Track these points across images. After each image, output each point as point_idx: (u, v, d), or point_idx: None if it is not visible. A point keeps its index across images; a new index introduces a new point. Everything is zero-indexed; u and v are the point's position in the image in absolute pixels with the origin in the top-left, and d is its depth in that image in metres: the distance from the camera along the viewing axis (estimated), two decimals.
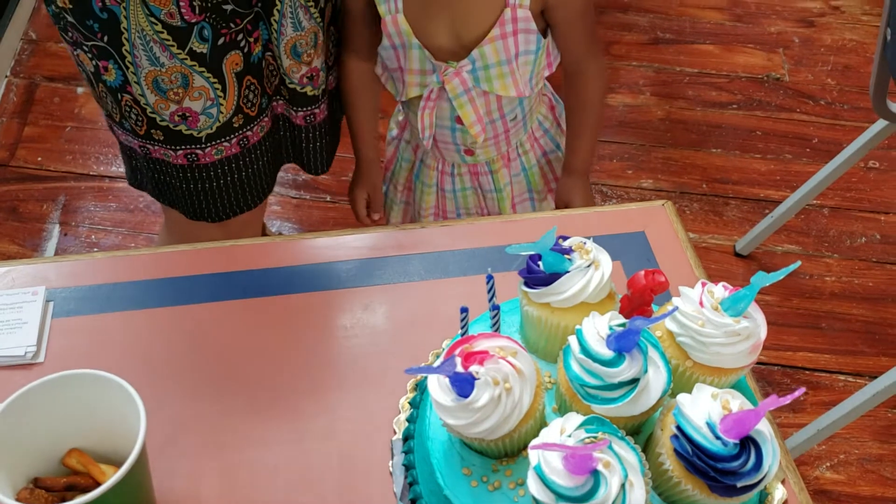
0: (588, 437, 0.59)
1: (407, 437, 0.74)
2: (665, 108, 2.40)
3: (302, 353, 0.81)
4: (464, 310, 0.71)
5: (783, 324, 2.00)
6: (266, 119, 1.08)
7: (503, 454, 0.67)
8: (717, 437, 0.60)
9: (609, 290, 0.72)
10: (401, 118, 1.30)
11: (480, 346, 0.64)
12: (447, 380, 0.62)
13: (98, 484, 0.62)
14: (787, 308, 2.01)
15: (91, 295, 0.85)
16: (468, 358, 0.63)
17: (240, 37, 0.97)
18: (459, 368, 0.62)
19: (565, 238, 0.73)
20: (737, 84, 2.48)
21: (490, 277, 0.73)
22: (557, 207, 1.26)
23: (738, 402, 0.61)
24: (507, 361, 0.62)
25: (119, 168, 2.23)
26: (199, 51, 0.95)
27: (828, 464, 1.81)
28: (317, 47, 1.04)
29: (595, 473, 0.57)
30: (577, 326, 0.65)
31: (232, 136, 1.05)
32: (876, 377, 1.62)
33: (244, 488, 0.72)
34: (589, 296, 0.69)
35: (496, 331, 0.73)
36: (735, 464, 0.59)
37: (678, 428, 0.61)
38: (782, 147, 2.34)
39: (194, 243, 0.90)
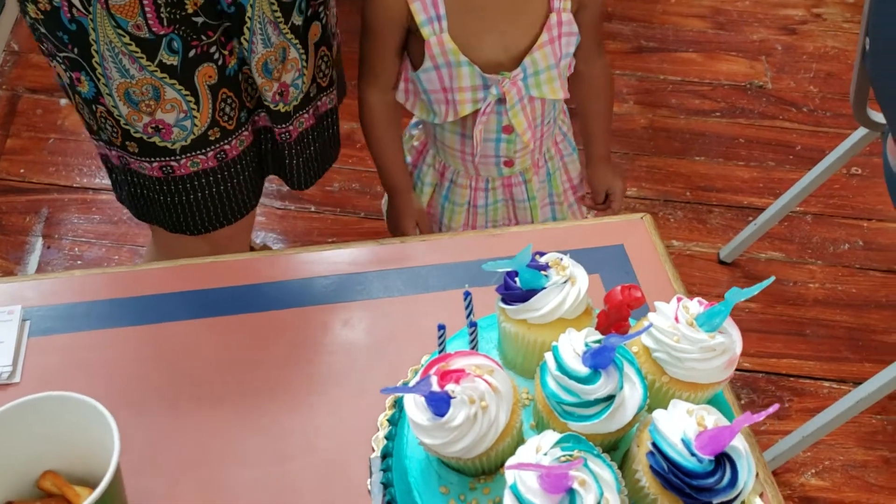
0: (563, 456, 0.59)
1: (385, 455, 0.74)
2: (648, 117, 2.41)
3: (281, 370, 0.81)
4: (441, 327, 0.71)
5: (767, 331, 2.01)
6: (246, 133, 1.07)
7: (480, 472, 0.67)
8: (693, 454, 0.60)
9: (586, 306, 0.72)
10: (416, 143, 1.30)
11: (457, 364, 0.64)
12: (423, 399, 0.62)
13: None
14: (771, 315, 2.02)
15: (68, 313, 0.84)
16: (444, 376, 0.62)
17: (213, 49, 0.96)
18: (435, 387, 0.62)
19: (542, 254, 0.73)
20: (720, 92, 2.49)
21: (467, 294, 0.73)
22: (598, 197, 1.34)
23: (713, 419, 0.61)
24: (484, 380, 0.62)
25: (103, 180, 2.22)
26: (169, 63, 0.94)
27: (813, 470, 1.82)
28: (285, 62, 1.03)
29: (571, 492, 0.57)
30: (554, 343, 0.65)
31: (208, 149, 1.04)
32: (860, 383, 1.63)
33: (220, 501, 0.72)
34: (566, 312, 0.69)
35: (474, 348, 0.73)
36: (710, 480, 0.59)
37: (654, 444, 0.62)
38: (765, 154, 2.35)
39: (173, 260, 0.89)
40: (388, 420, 0.76)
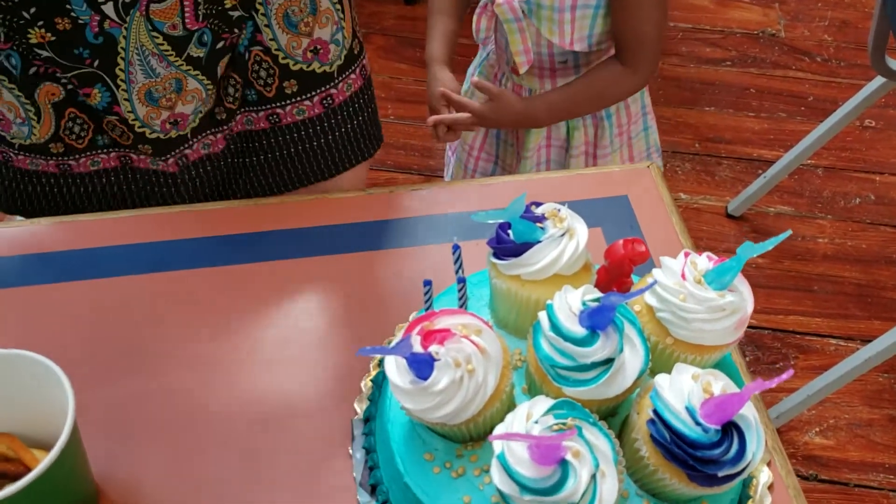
0: (556, 424, 0.54)
1: (368, 419, 0.69)
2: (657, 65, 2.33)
3: (256, 327, 0.76)
4: (427, 283, 0.65)
5: (774, 287, 1.96)
6: (256, 116, 0.99)
7: (468, 438, 0.62)
8: (697, 423, 0.55)
9: (585, 261, 0.67)
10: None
11: (442, 323, 0.59)
12: (404, 361, 0.57)
13: (31, 471, 0.57)
14: (779, 270, 1.97)
15: (22, 265, 0.79)
16: (428, 337, 0.57)
17: (239, 41, 0.91)
18: (418, 348, 0.57)
19: (538, 204, 0.67)
20: (731, 40, 2.41)
21: (456, 247, 0.67)
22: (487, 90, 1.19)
23: (720, 385, 0.56)
24: (470, 340, 0.57)
25: None
26: (195, 55, 0.88)
27: (817, 429, 1.78)
28: (316, 14, 0.94)
29: (563, 464, 0.53)
30: (549, 301, 0.60)
31: (217, 129, 0.98)
32: (868, 341, 1.58)
33: (191, 470, 0.68)
34: (562, 267, 0.64)
35: (462, 305, 0.68)
36: (716, 452, 0.55)
37: (655, 412, 0.57)
38: (776, 105, 2.28)
39: (139, 209, 0.84)
40: (371, 381, 0.71)
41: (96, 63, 0.86)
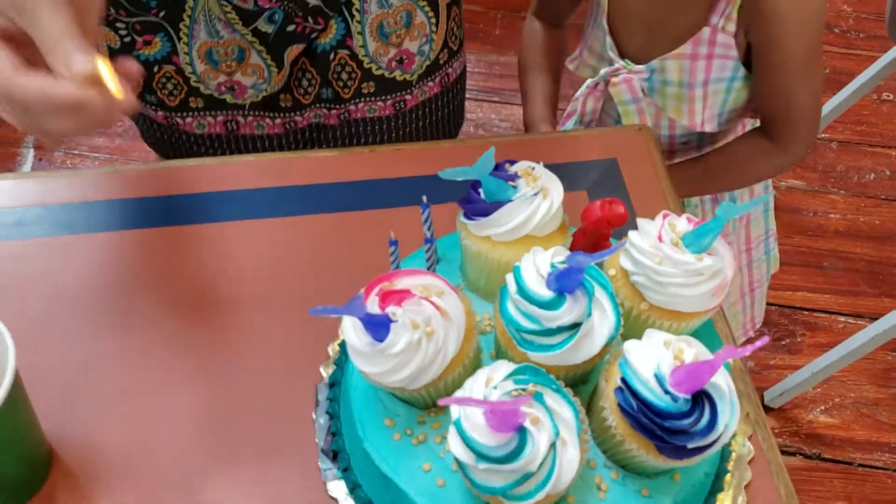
0: (516, 390, 0.52)
1: (334, 384, 0.67)
2: None
3: (222, 289, 0.73)
4: (393, 242, 0.63)
5: (783, 262, 1.90)
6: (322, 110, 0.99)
7: (430, 405, 0.59)
8: (667, 392, 0.52)
9: (560, 223, 0.63)
10: None
11: (402, 283, 0.56)
12: (360, 322, 0.54)
13: None
14: (788, 245, 1.93)
15: None
16: (386, 297, 0.55)
17: (313, 33, 0.89)
18: (374, 309, 0.54)
19: (513, 162, 0.64)
20: None
21: (426, 206, 0.64)
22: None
23: (693, 352, 0.53)
24: (431, 302, 0.54)
25: None
26: (263, 30, 0.86)
27: (822, 407, 1.75)
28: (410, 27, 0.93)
29: (521, 431, 0.50)
30: (517, 263, 0.57)
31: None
32: (877, 319, 1.54)
33: (151, 435, 0.65)
34: (534, 228, 0.61)
35: (431, 267, 0.65)
36: (685, 422, 0.52)
37: (623, 380, 0.54)
38: None
39: (115, 165, 0.81)
40: (339, 346, 0.69)
41: (161, 14, 0.84)
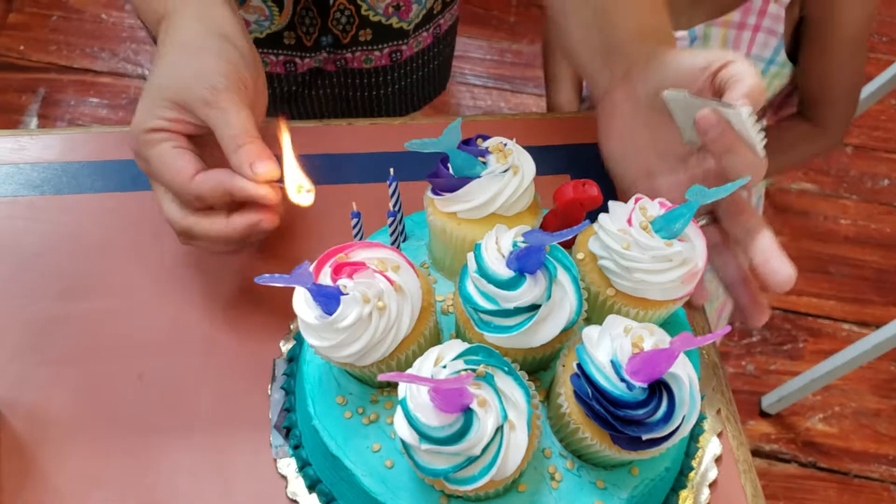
0: (466, 370, 0.49)
1: (292, 359, 0.65)
2: None
3: (187, 257, 0.71)
4: (355, 215, 0.61)
5: None
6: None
7: (385, 383, 0.57)
8: (622, 380, 0.50)
9: (531, 202, 0.61)
10: None
11: (357, 256, 0.54)
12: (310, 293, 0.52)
13: None
14: (795, 249, 1.89)
15: None
16: (339, 269, 0.53)
17: None
18: (327, 281, 0.52)
19: (486, 138, 0.62)
20: None
21: (393, 179, 0.62)
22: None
23: (654, 340, 0.51)
24: (385, 276, 0.53)
25: (105, 62, 2.12)
26: None
27: (821, 415, 1.72)
28: None
29: (467, 412, 0.48)
30: (478, 242, 0.55)
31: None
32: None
33: (103, 401, 0.64)
34: (502, 207, 0.59)
35: (395, 241, 0.63)
36: (640, 412, 0.49)
37: (579, 366, 0.52)
38: None
39: (75, 127, 0.79)
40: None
41: None
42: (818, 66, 0.92)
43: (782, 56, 0.93)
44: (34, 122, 2.02)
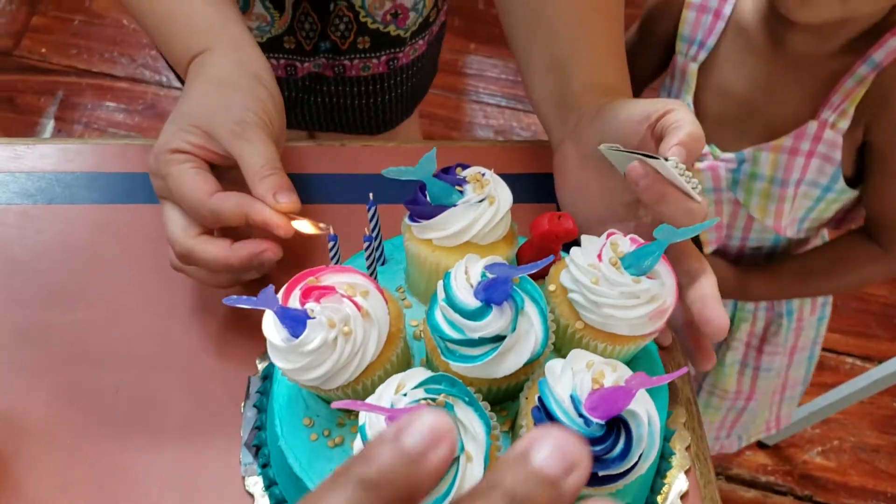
0: (426, 399, 0.50)
1: (266, 377, 0.66)
2: None
3: (171, 275, 0.72)
4: (332, 238, 0.61)
5: None
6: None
7: None
8: (581, 415, 0.50)
9: (507, 232, 0.62)
10: None
11: (328, 280, 0.55)
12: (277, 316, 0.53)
13: None
14: None
15: None
16: (307, 293, 0.54)
17: None
18: (296, 304, 0.53)
19: (465, 167, 0.62)
20: None
21: (372, 203, 0.63)
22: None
23: (615, 376, 0.51)
24: (353, 301, 0.53)
25: (124, 68, 2.15)
26: None
27: (819, 449, 1.70)
28: None
29: None
30: (449, 270, 0.56)
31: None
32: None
33: (78, 409, 0.65)
34: (476, 236, 0.59)
35: (371, 265, 0.64)
36: (597, 448, 0.50)
37: (540, 399, 0.52)
38: None
39: (63, 139, 0.80)
40: None
41: None
42: (886, 192, 0.90)
43: (840, 183, 0.90)
44: (51, 124, 2.05)
